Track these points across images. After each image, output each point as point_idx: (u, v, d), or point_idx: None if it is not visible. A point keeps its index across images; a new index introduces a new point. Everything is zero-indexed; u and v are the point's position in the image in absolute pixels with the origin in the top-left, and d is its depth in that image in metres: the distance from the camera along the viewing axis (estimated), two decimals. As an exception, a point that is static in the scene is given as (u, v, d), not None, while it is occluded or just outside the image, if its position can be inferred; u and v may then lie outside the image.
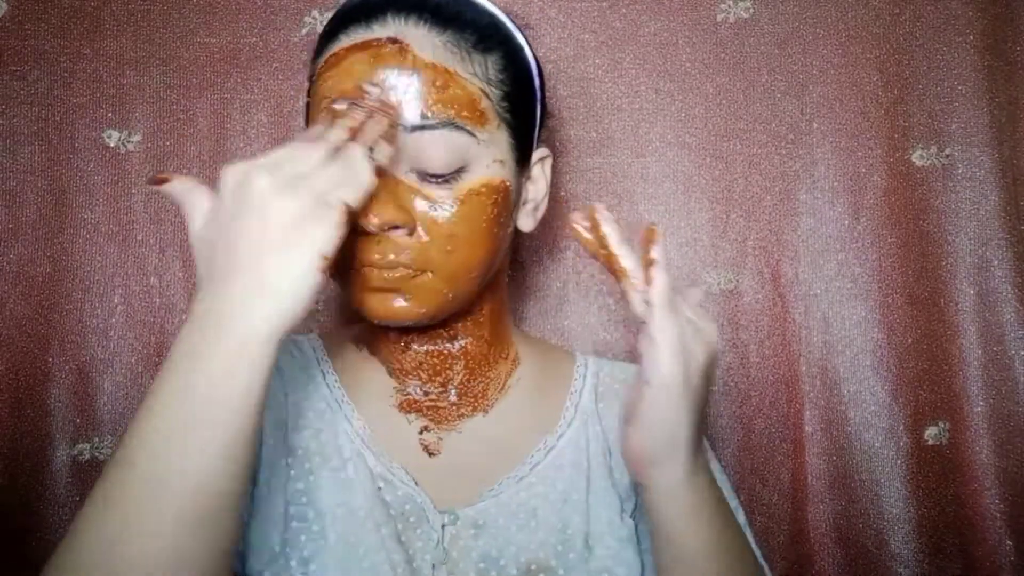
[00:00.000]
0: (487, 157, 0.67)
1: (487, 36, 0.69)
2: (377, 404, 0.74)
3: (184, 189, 0.60)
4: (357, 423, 0.72)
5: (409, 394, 0.74)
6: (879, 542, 1.01)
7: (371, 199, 0.60)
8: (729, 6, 1.05)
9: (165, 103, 1.02)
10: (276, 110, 1.03)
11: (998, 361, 1.02)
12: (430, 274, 0.66)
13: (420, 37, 0.66)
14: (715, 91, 1.04)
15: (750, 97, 1.04)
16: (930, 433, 1.03)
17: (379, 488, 0.70)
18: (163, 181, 0.61)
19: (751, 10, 1.05)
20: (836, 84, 1.04)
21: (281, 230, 0.54)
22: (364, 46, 0.66)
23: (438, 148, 0.65)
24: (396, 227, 0.64)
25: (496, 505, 0.71)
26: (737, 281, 1.04)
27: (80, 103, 1.01)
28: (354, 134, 0.60)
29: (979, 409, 1.02)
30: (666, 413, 0.59)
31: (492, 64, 0.69)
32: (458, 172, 0.66)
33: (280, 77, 1.03)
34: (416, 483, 0.70)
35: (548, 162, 0.77)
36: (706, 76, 1.04)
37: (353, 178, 0.57)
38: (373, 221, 0.63)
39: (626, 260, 0.61)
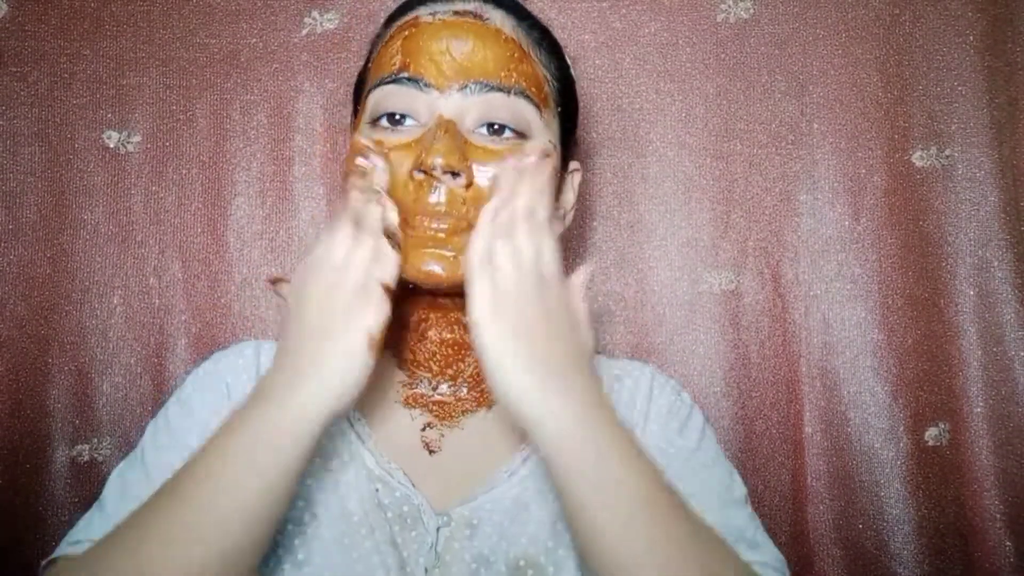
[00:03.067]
0: (545, 136, 0.71)
1: (549, 40, 0.76)
2: (381, 399, 0.73)
3: (284, 291, 0.66)
4: (358, 424, 0.72)
5: (416, 388, 0.74)
6: (879, 543, 1.01)
7: (436, 141, 0.65)
8: (729, 6, 1.05)
9: (165, 104, 1.02)
10: (276, 111, 1.03)
11: (998, 362, 1.02)
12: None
13: (500, 17, 0.71)
14: (715, 91, 1.04)
15: (750, 97, 1.04)
16: (930, 434, 1.03)
17: (376, 490, 0.70)
18: (278, 281, 0.67)
19: (751, 10, 1.05)
20: (836, 84, 1.04)
21: (329, 319, 0.60)
22: (445, 14, 0.70)
23: (509, 111, 0.68)
24: (456, 174, 0.65)
25: (491, 501, 0.70)
26: (737, 281, 1.04)
27: (80, 104, 1.01)
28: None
29: (979, 410, 1.02)
30: (489, 347, 0.58)
31: (552, 63, 0.74)
32: (521, 138, 0.69)
33: (280, 78, 1.03)
34: (414, 484, 0.70)
35: (578, 176, 0.80)
36: (706, 76, 1.04)
37: (382, 255, 0.62)
38: (437, 162, 0.64)
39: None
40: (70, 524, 0.96)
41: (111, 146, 1.01)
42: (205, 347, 1.00)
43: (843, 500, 1.01)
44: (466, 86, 0.68)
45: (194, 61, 1.02)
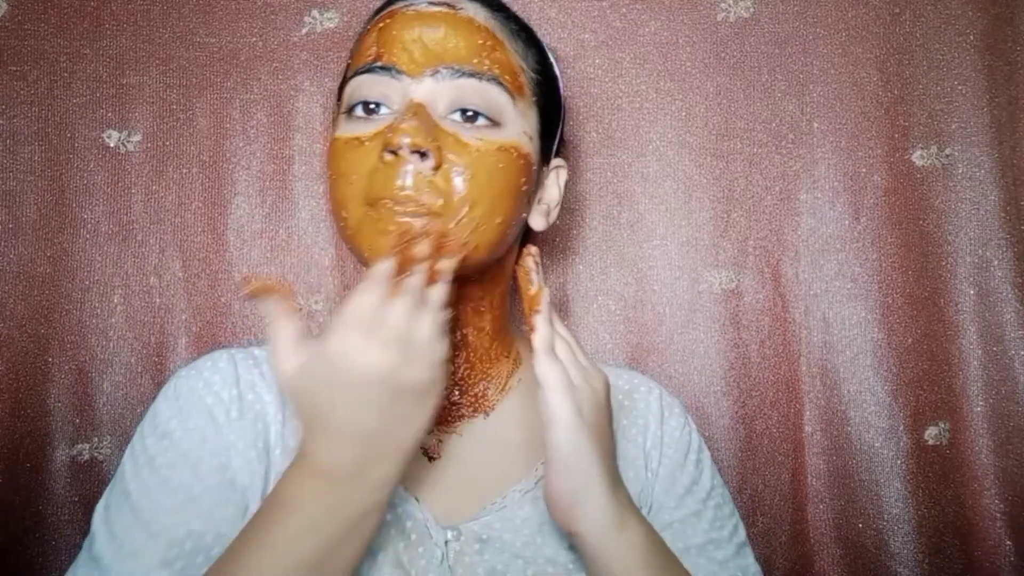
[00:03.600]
0: (520, 126, 0.70)
1: (527, 33, 0.75)
2: None
3: (275, 311, 0.61)
4: None
5: None
6: (879, 542, 1.01)
7: (404, 121, 0.64)
8: (729, 6, 1.05)
9: (165, 103, 1.02)
10: (276, 110, 1.03)
11: (998, 361, 1.02)
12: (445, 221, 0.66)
13: (474, 8, 0.71)
14: (715, 91, 1.04)
15: (750, 97, 1.04)
16: (930, 433, 1.03)
17: None
18: (258, 294, 0.62)
19: (751, 10, 1.05)
20: (836, 84, 1.04)
21: (402, 400, 0.57)
22: (421, 5, 0.70)
23: (481, 96, 0.68)
24: (424, 154, 0.64)
25: (501, 519, 0.69)
26: (738, 281, 1.04)
27: (80, 103, 1.01)
28: (425, 269, 0.62)
29: (979, 409, 1.02)
30: (569, 450, 0.61)
31: (530, 55, 0.74)
32: (494, 125, 0.68)
33: (280, 77, 1.03)
34: (417, 499, 0.69)
35: (563, 174, 0.79)
36: (706, 76, 1.04)
37: (443, 333, 0.61)
38: (404, 141, 0.63)
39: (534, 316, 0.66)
40: (70, 523, 0.97)
41: (111, 145, 1.01)
42: (205, 346, 1.00)
43: (843, 499, 1.01)
44: (437, 71, 0.67)
45: (194, 60, 1.02)
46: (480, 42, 0.69)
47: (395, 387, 0.57)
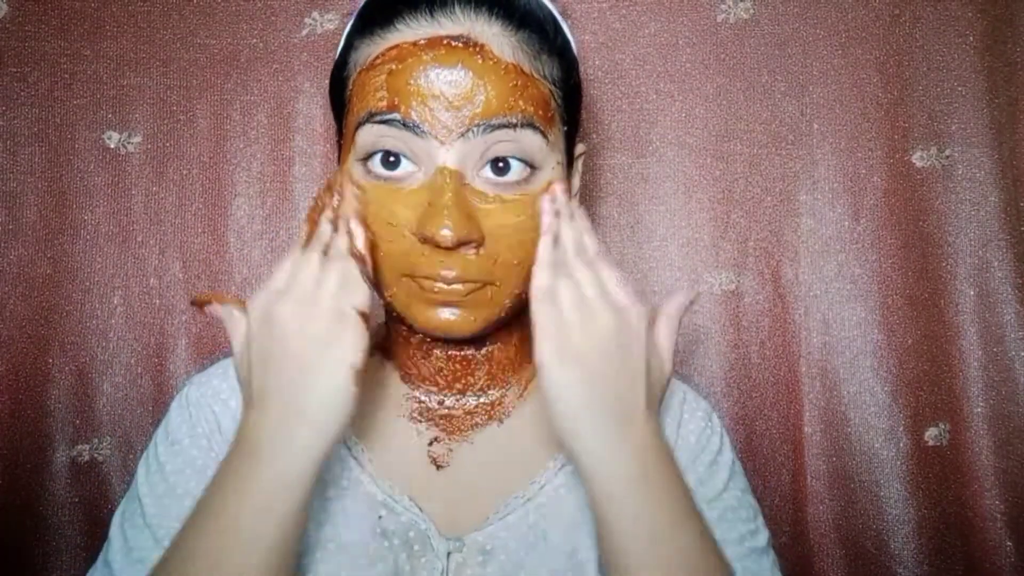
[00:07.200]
0: (552, 160, 0.65)
1: (553, 38, 0.67)
2: (383, 415, 0.70)
3: (225, 314, 0.62)
4: (356, 446, 0.69)
5: (423, 402, 0.71)
6: (879, 543, 1.01)
7: (444, 210, 0.60)
8: (729, 7, 1.05)
9: (165, 104, 1.02)
10: (276, 111, 1.03)
11: (998, 362, 1.02)
12: (491, 288, 0.63)
13: (495, 36, 0.63)
14: (715, 92, 1.04)
15: (750, 98, 1.04)
16: (930, 434, 1.03)
17: (380, 517, 0.66)
18: (204, 304, 0.62)
19: (751, 11, 1.05)
20: (836, 85, 1.04)
21: (308, 355, 0.56)
22: (434, 43, 0.61)
23: (515, 145, 0.62)
24: (467, 242, 0.61)
25: (505, 528, 0.66)
26: (738, 282, 1.04)
27: (80, 104, 1.01)
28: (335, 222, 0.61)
29: (979, 410, 1.02)
30: (553, 390, 0.57)
31: (557, 65, 0.66)
32: (530, 175, 0.63)
33: (280, 78, 1.03)
34: (420, 509, 0.66)
35: (582, 159, 0.74)
36: (706, 77, 1.04)
37: (352, 282, 0.59)
38: (447, 236, 0.59)
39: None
40: (70, 524, 0.98)
41: (111, 146, 1.02)
42: (205, 347, 1.00)
43: (843, 500, 1.01)
44: (468, 131, 0.61)
45: (194, 62, 1.02)
46: (510, 85, 0.61)
47: (299, 336, 0.56)
